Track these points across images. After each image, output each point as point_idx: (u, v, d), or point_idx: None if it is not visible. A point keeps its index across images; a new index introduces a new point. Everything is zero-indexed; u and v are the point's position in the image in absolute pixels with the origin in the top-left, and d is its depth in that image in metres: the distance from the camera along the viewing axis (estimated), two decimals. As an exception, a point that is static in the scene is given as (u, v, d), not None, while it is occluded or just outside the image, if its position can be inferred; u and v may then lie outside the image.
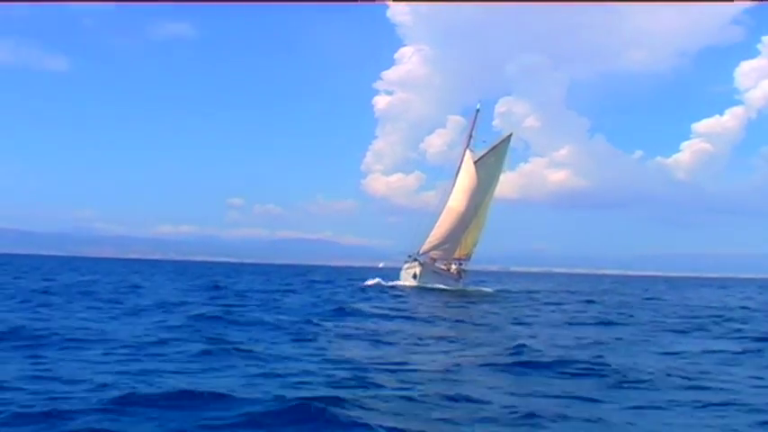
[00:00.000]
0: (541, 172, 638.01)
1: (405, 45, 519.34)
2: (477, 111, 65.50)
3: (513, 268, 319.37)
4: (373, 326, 23.86)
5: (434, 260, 63.60)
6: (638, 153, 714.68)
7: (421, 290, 55.47)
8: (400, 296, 45.80)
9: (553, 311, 35.77)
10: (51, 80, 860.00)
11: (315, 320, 24.08)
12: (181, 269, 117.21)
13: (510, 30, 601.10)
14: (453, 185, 63.15)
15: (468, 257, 67.41)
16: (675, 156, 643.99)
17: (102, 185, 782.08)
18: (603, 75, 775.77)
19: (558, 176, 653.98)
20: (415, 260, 60.85)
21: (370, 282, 62.44)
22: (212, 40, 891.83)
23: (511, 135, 67.45)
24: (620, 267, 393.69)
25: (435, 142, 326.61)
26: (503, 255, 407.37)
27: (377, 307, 33.55)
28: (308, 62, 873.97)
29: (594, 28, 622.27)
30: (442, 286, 58.93)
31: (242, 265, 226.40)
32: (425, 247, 62.19)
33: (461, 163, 63.70)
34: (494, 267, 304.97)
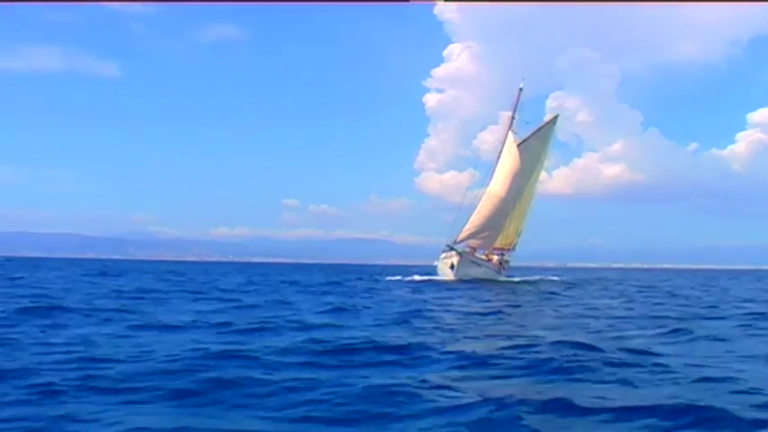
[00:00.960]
0: (596, 167, 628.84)
1: (453, 42, 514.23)
2: (521, 90, 61.58)
3: (570, 264, 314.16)
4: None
5: (474, 249, 60.21)
6: (693, 145, 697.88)
7: (458, 283, 48.69)
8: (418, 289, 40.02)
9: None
10: (104, 86, 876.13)
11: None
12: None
13: (558, 24, 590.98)
14: (494, 170, 59.63)
15: (511, 248, 64.02)
16: (731, 147, 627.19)
17: (158, 189, 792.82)
18: (655, 67, 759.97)
19: (612, 171, 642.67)
20: (452, 249, 56.64)
21: (396, 277, 58.14)
22: (262, 41, 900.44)
23: (557, 117, 63.82)
24: (676, 261, 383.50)
25: (488, 139, 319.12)
26: (559, 250, 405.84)
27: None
28: (357, 62, 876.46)
29: (644, 20, 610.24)
30: (483, 276, 55.57)
31: (300, 264, 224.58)
32: (463, 234, 58.25)
33: (503, 146, 60.17)
34: (550, 263, 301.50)
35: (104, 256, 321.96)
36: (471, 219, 58.44)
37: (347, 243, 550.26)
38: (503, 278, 59.58)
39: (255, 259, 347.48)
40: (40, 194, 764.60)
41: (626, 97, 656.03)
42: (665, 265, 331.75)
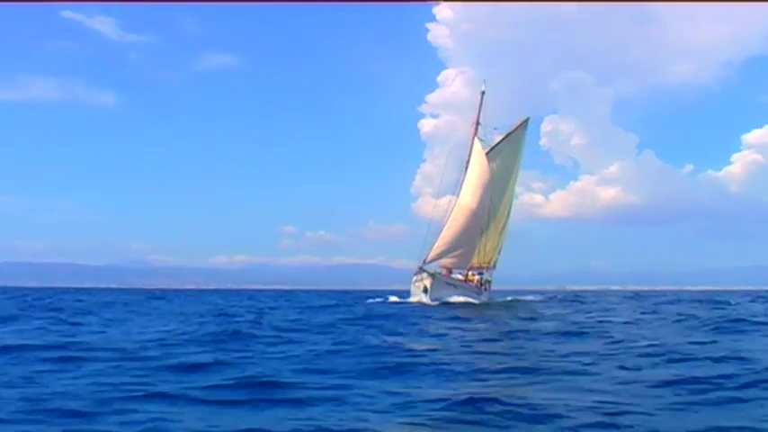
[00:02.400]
0: (592, 189, 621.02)
1: (447, 68, 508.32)
2: (483, 93, 55.73)
3: (570, 287, 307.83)
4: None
5: (450, 270, 53.40)
6: (689, 167, 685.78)
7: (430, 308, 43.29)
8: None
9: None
10: (100, 116, 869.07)
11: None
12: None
13: (551, 48, 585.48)
14: (462, 181, 53.06)
15: (490, 266, 57.23)
16: (727, 168, 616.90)
17: (154, 219, 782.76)
18: (649, 89, 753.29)
19: (608, 193, 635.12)
20: (424, 271, 50.09)
21: (376, 300, 53.25)
22: (257, 69, 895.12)
23: (527, 120, 57.74)
24: (674, 283, 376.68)
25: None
26: (559, 273, 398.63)
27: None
28: (352, 89, 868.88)
29: (636, 43, 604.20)
30: (461, 299, 48.81)
31: (295, 291, 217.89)
32: (433, 253, 51.58)
33: (470, 155, 53.78)
34: (550, 286, 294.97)
35: (102, 285, 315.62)
36: (441, 235, 51.99)
37: (346, 269, 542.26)
38: (484, 299, 52.82)
39: (255, 286, 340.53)
40: (36, 224, 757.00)
41: (621, 120, 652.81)
42: (665, 287, 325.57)
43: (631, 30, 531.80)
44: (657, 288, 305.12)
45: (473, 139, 53.94)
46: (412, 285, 51.43)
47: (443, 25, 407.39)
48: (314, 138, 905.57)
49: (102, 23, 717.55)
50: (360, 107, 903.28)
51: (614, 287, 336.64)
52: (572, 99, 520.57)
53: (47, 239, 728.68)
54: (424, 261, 51.03)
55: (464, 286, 52.49)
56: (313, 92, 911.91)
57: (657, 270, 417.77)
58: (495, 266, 57.76)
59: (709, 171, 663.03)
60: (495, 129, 55.30)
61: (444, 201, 54.14)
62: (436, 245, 51.43)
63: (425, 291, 48.67)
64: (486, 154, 53.35)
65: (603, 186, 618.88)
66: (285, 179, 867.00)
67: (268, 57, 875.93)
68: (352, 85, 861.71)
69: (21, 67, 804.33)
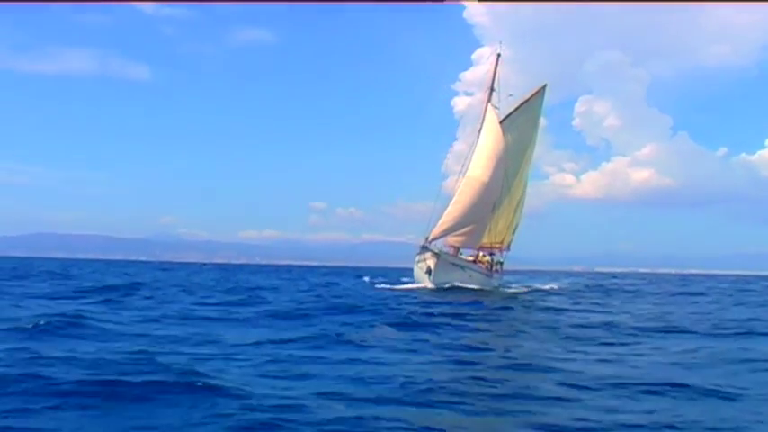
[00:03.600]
0: (624, 171, 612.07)
1: (482, 45, 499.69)
2: (498, 56, 50.07)
3: (598, 268, 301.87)
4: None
5: (457, 249, 48.01)
6: (723, 150, 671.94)
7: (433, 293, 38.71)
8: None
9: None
10: (134, 89, 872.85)
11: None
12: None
13: (587, 27, 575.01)
14: (473, 152, 47.58)
15: (503, 247, 51.71)
16: (760, 152, 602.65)
17: (186, 192, 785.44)
18: (685, 71, 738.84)
19: (641, 175, 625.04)
20: (427, 250, 44.56)
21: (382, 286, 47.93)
22: (291, 45, 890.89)
23: (545, 86, 51.86)
24: (705, 267, 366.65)
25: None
26: (587, 255, 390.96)
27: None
28: (386, 65, 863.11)
29: (675, 23, 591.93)
30: (469, 285, 43.16)
31: (328, 267, 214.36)
32: (438, 229, 45.96)
33: (482, 123, 48.19)
34: (578, 267, 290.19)
35: (132, 258, 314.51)
36: (448, 210, 46.29)
37: (374, 246, 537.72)
38: (495, 285, 47.43)
39: (283, 262, 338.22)
40: (68, 195, 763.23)
41: (655, 101, 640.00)
42: (694, 271, 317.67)
43: (668, 10, 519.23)
44: (685, 271, 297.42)
45: (486, 105, 48.50)
46: (415, 266, 46.30)
47: (483, 2, 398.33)
48: (347, 114, 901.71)
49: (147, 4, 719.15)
50: (392, 84, 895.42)
51: (642, 269, 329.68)
52: (607, 79, 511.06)
53: (77, 211, 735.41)
54: (427, 239, 45.52)
55: (473, 267, 47.09)
56: (347, 68, 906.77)
57: (688, 253, 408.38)
58: (509, 248, 52.21)
59: (743, 154, 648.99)
60: (510, 95, 49.82)
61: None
62: (441, 220, 46.00)
63: (429, 272, 43.38)
64: (501, 123, 47.82)
65: (636, 168, 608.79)
66: (316, 155, 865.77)
67: (302, 32, 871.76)
68: (387, 62, 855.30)
69: (56, 39, 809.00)
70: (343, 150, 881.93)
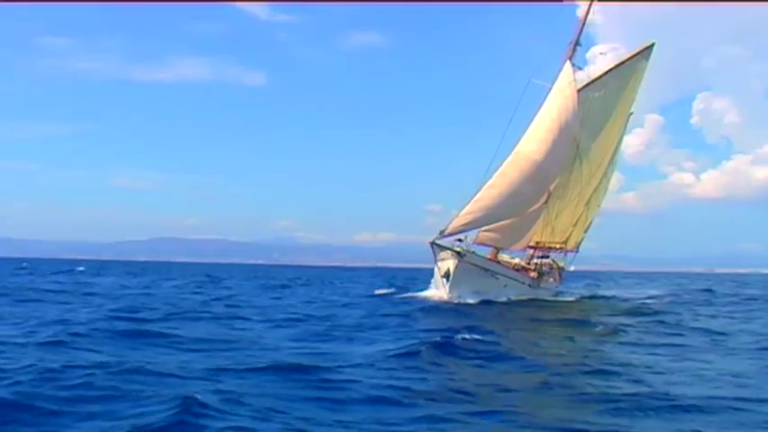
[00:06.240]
0: (746, 169, 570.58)
1: (596, 43, 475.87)
2: (590, 3, 35.28)
3: (718, 269, 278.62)
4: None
5: (498, 251, 35.23)
6: None
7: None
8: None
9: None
10: (250, 95, 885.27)
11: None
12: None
13: (705, 22, 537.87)
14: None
15: (566, 247, 38.62)
16: None
17: (301, 196, 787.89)
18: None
19: (764, 173, 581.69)
20: (445, 248, 30.60)
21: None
22: (403, 46, 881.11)
23: (653, 45, 35.93)
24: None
25: (633, 142, 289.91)
26: (707, 256, 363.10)
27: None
28: (498, 64, 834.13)
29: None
30: (501, 299, 30.33)
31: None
32: (459, 221, 31.78)
33: (552, 84, 33.46)
34: (698, 268, 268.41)
35: (251, 261, 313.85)
36: (478, 196, 32.07)
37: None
38: (546, 297, 34.44)
39: (398, 264, 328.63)
40: (186, 200, 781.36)
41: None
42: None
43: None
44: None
45: (566, 60, 34.03)
46: (435, 269, 32.44)
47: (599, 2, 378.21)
48: (460, 115, 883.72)
49: (254, 4, 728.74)
50: (505, 84, 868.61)
51: (765, 270, 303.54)
52: (726, 75, 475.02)
53: (196, 216, 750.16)
54: (441, 232, 31.51)
55: (509, 274, 33.18)
56: (457, 69, 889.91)
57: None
58: (578, 249, 38.99)
59: None
60: (602, 53, 36.46)
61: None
62: (467, 208, 32.06)
63: (447, 277, 30.26)
64: (580, 90, 34.08)
65: (759, 166, 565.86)
66: (431, 156, 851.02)
67: (413, 34, 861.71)
68: (497, 61, 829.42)
69: (173, 48, 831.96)
70: (457, 150, 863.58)
